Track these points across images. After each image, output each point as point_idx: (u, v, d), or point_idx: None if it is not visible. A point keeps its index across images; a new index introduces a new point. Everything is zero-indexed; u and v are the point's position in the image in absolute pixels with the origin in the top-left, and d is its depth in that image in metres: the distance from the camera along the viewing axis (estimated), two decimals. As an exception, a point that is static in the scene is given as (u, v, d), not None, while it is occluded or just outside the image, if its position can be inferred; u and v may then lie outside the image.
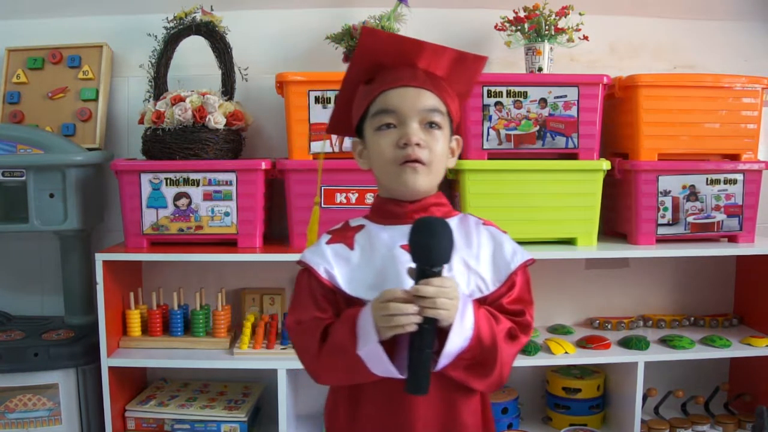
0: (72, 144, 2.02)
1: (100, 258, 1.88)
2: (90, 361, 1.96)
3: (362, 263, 1.13)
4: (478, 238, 1.16)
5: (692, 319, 2.27)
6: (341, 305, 1.14)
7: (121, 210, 1.98)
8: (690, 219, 2.06)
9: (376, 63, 1.15)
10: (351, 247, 1.15)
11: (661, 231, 2.05)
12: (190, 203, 1.95)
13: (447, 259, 1.03)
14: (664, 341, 2.08)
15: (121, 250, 1.96)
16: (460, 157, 1.96)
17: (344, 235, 1.17)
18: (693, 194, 2.05)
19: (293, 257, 1.89)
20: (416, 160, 1.10)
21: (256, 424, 2.10)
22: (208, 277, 2.19)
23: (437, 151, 1.12)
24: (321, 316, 1.12)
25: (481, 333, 1.06)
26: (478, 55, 1.18)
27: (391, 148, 1.11)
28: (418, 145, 1.10)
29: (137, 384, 2.16)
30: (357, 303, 1.11)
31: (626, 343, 2.06)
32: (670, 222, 2.05)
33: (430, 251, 1.02)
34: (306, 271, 1.15)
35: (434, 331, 1.01)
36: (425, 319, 1.01)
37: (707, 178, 2.05)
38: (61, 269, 2.11)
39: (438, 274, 1.02)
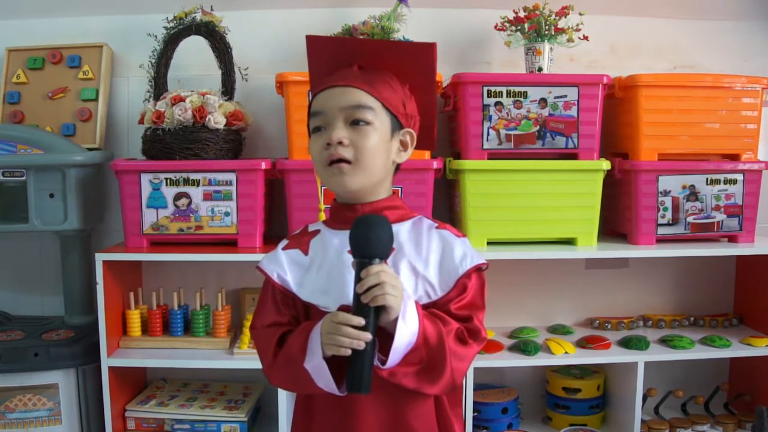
0: (72, 144, 2.02)
1: (100, 258, 1.88)
2: (90, 361, 1.95)
3: (314, 268, 1.15)
4: (428, 242, 1.15)
5: (692, 319, 2.27)
6: (299, 309, 1.17)
7: (121, 210, 1.98)
8: (690, 219, 2.06)
9: (323, 68, 1.17)
10: (305, 252, 1.17)
11: (661, 231, 2.05)
12: (190, 203, 1.95)
13: (384, 252, 1.04)
14: (664, 341, 2.08)
15: (121, 250, 1.96)
16: (460, 157, 1.99)
17: (300, 241, 1.19)
18: (693, 194, 2.05)
19: (293, 257, 1.91)
20: (340, 160, 1.10)
21: (256, 424, 2.11)
22: (208, 277, 2.19)
23: (365, 148, 1.11)
24: (280, 320, 1.16)
25: (426, 331, 1.06)
26: (423, 43, 1.16)
27: (320, 150, 1.13)
28: (341, 143, 1.10)
29: (137, 384, 2.16)
30: (312, 308, 1.14)
31: (626, 343, 2.06)
32: (670, 222, 2.05)
33: (366, 243, 1.03)
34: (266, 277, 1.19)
35: (375, 327, 1.02)
36: (365, 310, 1.02)
37: (707, 178, 2.05)
38: (61, 269, 2.11)
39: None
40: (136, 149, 2.08)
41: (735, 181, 2.07)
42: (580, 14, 2.09)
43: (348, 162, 1.10)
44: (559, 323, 2.29)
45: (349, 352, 1.01)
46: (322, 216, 1.28)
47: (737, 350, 2.05)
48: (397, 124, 1.16)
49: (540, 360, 2.02)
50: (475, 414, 2.08)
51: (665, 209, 2.04)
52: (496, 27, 2.12)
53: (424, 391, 1.09)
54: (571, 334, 2.19)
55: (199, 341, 2.01)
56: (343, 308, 1.07)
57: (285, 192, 1.97)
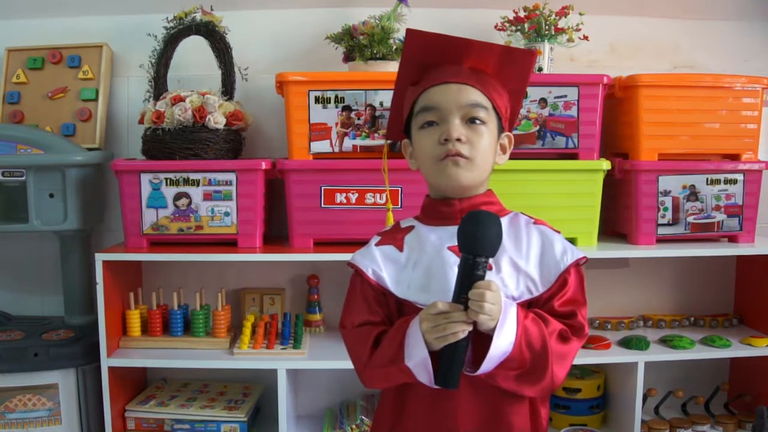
0: (72, 144, 2.02)
1: (100, 258, 1.88)
2: (90, 361, 1.95)
3: (410, 265, 1.14)
4: (528, 237, 1.15)
5: (692, 319, 2.27)
6: (392, 307, 1.15)
7: (121, 210, 1.97)
8: (690, 219, 2.06)
9: (422, 64, 1.15)
10: (400, 248, 1.16)
11: (661, 231, 2.05)
12: (190, 203, 1.95)
13: (491, 250, 1.03)
14: (664, 341, 2.08)
15: (121, 250, 1.96)
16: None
17: (394, 237, 1.18)
18: (693, 194, 2.05)
19: (293, 257, 1.92)
20: (457, 155, 1.10)
21: (256, 424, 2.10)
22: (208, 277, 2.19)
23: (480, 147, 1.11)
24: (372, 319, 1.14)
25: (529, 336, 1.05)
26: (527, 50, 1.19)
27: (434, 145, 1.11)
28: (459, 140, 1.09)
29: (137, 384, 2.16)
30: (407, 304, 1.12)
31: (626, 343, 2.06)
32: (670, 222, 2.05)
33: (475, 240, 1.02)
34: (357, 274, 1.16)
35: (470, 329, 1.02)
36: (465, 306, 1.01)
37: (707, 178, 2.05)
38: (61, 269, 2.11)
39: (481, 265, 1.02)
40: (136, 149, 2.08)
41: (735, 181, 2.07)
42: (580, 14, 2.09)
43: (464, 158, 1.10)
44: (559, 323, 2.29)
45: (464, 335, 1.01)
46: (391, 221, 1.27)
47: (737, 350, 2.05)
48: (501, 127, 1.17)
49: (540, 360, 2.01)
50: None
51: (665, 209, 2.04)
52: (496, 27, 2.12)
53: (523, 393, 1.09)
54: (571, 334, 2.18)
55: (199, 341, 2.01)
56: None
57: (285, 192, 1.97)
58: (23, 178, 1.94)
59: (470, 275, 1.02)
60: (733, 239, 2.12)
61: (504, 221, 1.14)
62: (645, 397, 2.06)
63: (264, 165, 1.95)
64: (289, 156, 1.97)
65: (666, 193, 2.04)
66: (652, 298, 2.34)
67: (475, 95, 1.12)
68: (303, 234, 1.96)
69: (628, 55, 2.29)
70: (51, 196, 1.96)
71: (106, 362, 1.89)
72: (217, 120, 1.94)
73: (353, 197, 1.93)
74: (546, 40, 2.05)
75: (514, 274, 1.12)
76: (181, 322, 2.02)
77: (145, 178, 1.94)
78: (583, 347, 2.04)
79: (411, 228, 1.18)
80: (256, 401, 2.11)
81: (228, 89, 2.07)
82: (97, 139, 2.12)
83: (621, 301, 2.32)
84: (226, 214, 1.95)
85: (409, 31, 1.16)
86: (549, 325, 1.09)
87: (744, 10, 2.29)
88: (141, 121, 2.01)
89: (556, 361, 1.07)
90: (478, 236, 1.02)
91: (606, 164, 1.99)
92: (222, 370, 2.13)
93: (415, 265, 1.13)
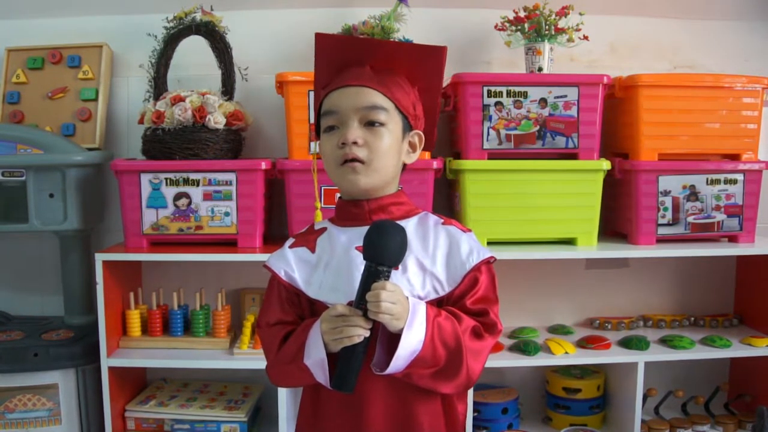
0: (72, 144, 2.02)
1: (100, 258, 1.88)
2: (90, 361, 1.95)
3: (321, 265, 1.16)
4: (435, 238, 1.16)
5: (692, 319, 2.27)
6: (305, 307, 1.17)
7: (121, 210, 1.97)
8: (690, 219, 2.06)
9: (332, 66, 1.17)
10: (312, 250, 1.18)
11: (661, 231, 2.05)
12: (190, 203, 1.94)
13: (394, 260, 1.05)
14: (664, 341, 2.08)
15: (121, 250, 1.96)
16: (460, 157, 1.99)
17: (306, 239, 1.20)
18: (693, 194, 2.05)
19: (293, 257, 1.91)
20: (354, 159, 1.11)
21: (256, 424, 2.10)
22: (208, 277, 2.19)
23: (378, 149, 1.11)
24: (284, 319, 1.17)
25: (443, 334, 1.06)
26: (435, 46, 1.17)
27: (333, 149, 1.13)
28: (355, 143, 1.10)
29: (137, 384, 2.16)
30: (318, 304, 1.15)
31: (626, 343, 2.06)
32: (670, 222, 2.05)
33: (377, 250, 1.03)
34: (273, 276, 1.19)
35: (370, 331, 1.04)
36: (364, 312, 1.03)
37: (707, 178, 2.05)
38: (61, 269, 2.11)
39: (384, 274, 1.03)
40: (136, 149, 2.08)
41: (735, 181, 2.07)
42: (580, 14, 2.09)
43: (361, 162, 1.11)
44: (559, 323, 2.29)
45: (355, 341, 1.02)
46: (319, 215, 1.29)
47: (737, 350, 2.05)
48: (408, 126, 1.17)
49: (540, 360, 2.02)
50: (475, 414, 2.08)
51: (665, 209, 2.04)
52: (496, 27, 2.12)
53: (439, 390, 1.10)
54: (571, 334, 2.19)
55: (199, 341, 2.01)
56: (348, 303, 1.08)
57: (285, 192, 1.97)
58: (23, 178, 1.94)
59: (371, 282, 1.03)
60: (733, 239, 2.12)
61: (412, 221, 1.17)
62: (645, 397, 2.06)
63: (264, 165, 1.95)
64: (289, 156, 1.97)
65: (666, 193, 2.04)
66: (652, 298, 2.34)
67: (373, 97, 1.12)
68: (303, 234, 1.96)
69: (628, 55, 2.29)
70: (51, 196, 1.96)
71: (106, 362, 1.89)
72: (217, 120, 1.94)
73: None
74: (546, 40, 2.05)
75: (420, 274, 1.13)
76: (181, 322, 2.02)
77: (145, 178, 1.94)
78: (583, 347, 2.05)
79: (324, 230, 1.20)
80: (256, 401, 2.11)
81: (228, 89, 2.07)
82: (97, 139, 2.12)
83: (621, 301, 2.32)
84: (226, 214, 1.95)
85: (317, 34, 1.17)
86: (462, 323, 1.10)
87: (744, 10, 2.29)
88: (141, 121, 2.01)
89: (470, 357, 1.08)
90: (381, 246, 1.03)
91: (606, 164, 1.99)
92: (222, 370, 2.13)
93: (326, 266, 1.15)
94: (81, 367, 1.95)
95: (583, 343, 2.08)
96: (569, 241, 2.04)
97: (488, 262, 1.16)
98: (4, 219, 1.98)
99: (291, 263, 1.17)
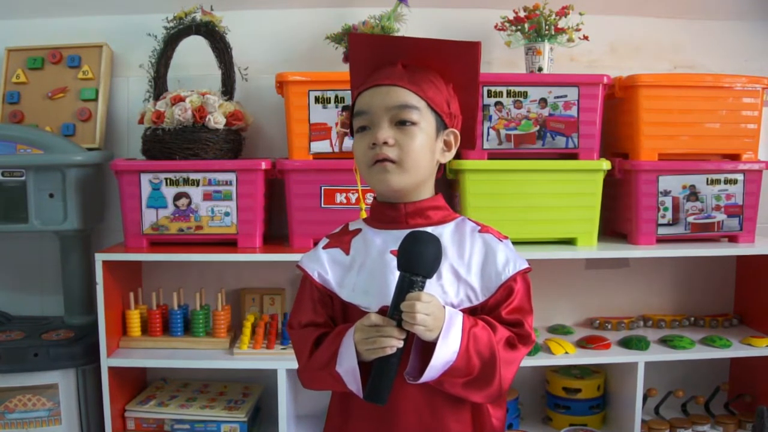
0: (72, 144, 2.02)
1: (100, 258, 1.87)
2: (90, 361, 1.95)
3: (355, 267, 1.15)
4: (471, 246, 1.14)
5: (692, 319, 2.27)
6: (337, 309, 1.16)
7: (121, 210, 1.97)
8: (690, 219, 2.06)
9: (367, 66, 1.15)
10: (346, 251, 1.16)
11: (662, 231, 2.05)
12: (190, 203, 1.94)
13: (428, 271, 1.04)
14: (664, 341, 2.08)
15: (121, 250, 1.96)
16: (460, 157, 1.99)
17: (341, 240, 1.18)
18: (693, 194, 2.05)
19: (293, 257, 1.92)
20: (385, 159, 1.09)
21: (256, 424, 2.10)
22: (208, 277, 2.19)
23: (411, 149, 1.10)
24: (316, 320, 1.16)
25: (478, 344, 1.06)
26: (469, 42, 1.14)
27: (365, 150, 1.11)
28: (386, 143, 1.09)
29: (137, 384, 2.16)
30: (351, 307, 1.13)
31: (626, 343, 2.06)
32: (671, 222, 2.05)
33: (411, 259, 1.03)
34: (305, 276, 1.18)
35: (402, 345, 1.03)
36: (399, 323, 1.02)
37: (707, 178, 2.05)
38: (61, 269, 2.11)
39: (418, 284, 1.02)
40: (136, 149, 2.08)
41: (735, 181, 2.07)
42: (580, 14, 2.09)
43: (392, 161, 1.10)
44: (559, 323, 2.29)
45: (388, 352, 1.01)
46: (363, 215, 1.27)
47: (737, 350, 2.05)
48: (442, 124, 1.15)
49: (540, 360, 2.01)
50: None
51: (665, 209, 2.04)
52: (496, 27, 2.12)
53: (470, 399, 1.10)
54: (571, 334, 2.19)
55: (199, 341, 2.01)
56: (382, 310, 1.07)
57: (285, 192, 1.97)
58: (23, 178, 1.94)
59: (405, 293, 1.02)
60: (733, 239, 2.12)
61: (449, 227, 1.15)
62: (645, 397, 2.06)
63: (264, 165, 1.95)
64: (289, 156, 1.97)
65: (666, 193, 2.04)
66: (652, 298, 2.34)
67: (403, 96, 1.10)
68: (303, 234, 1.96)
69: (628, 55, 2.29)
70: (51, 196, 1.96)
71: (106, 362, 1.89)
72: (217, 120, 1.94)
73: (353, 197, 1.93)
74: (546, 40, 2.05)
75: (454, 282, 1.12)
76: (181, 322, 2.02)
77: (145, 178, 1.94)
78: (583, 347, 2.05)
79: (358, 231, 1.18)
80: (256, 401, 2.11)
81: (228, 89, 2.07)
82: (97, 139, 2.12)
83: (621, 301, 2.32)
84: (226, 214, 1.95)
85: (351, 35, 1.18)
86: (497, 333, 1.09)
87: (744, 10, 2.29)
88: (141, 121, 2.01)
89: (504, 367, 1.08)
90: (415, 257, 1.02)
91: (606, 164, 1.99)
92: (222, 370, 2.13)
93: (360, 268, 1.14)
94: (81, 367, 1.95)
95: (583, 343, 2.08)
96: (569, 241, 2.04)
97: (524, 272, 1.15)
98: (4, 219, 1.98)
99: (324, 264, 1.16)
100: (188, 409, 2.01)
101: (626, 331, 2.21)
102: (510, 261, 1.14)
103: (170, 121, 1.93)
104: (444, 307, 1.06)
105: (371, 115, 1.11)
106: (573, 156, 2.00)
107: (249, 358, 1.94)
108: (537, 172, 1.96)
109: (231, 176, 1.94)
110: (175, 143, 1.94)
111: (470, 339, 1.05)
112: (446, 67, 1.15)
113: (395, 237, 1.08)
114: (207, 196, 1.94)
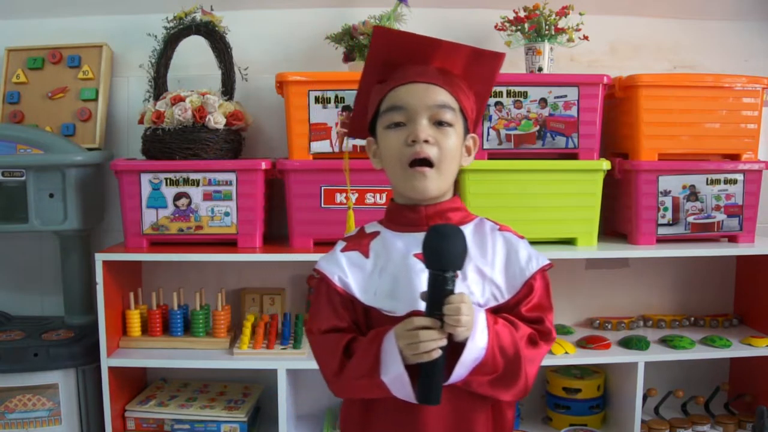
0: (72, 144, 2.02)
1: (100, 258, 1.87)
2: (90, 361, 1.95)
3: (376, 271, 1.12)
4: (493, 244, 1.14)
5: (692, 319, 2.27)
6: (359, 313, 1.13)
7: (121, 210, 1.97)
8: (690, 219, 2.06)
9: (389, 62, 1.13)
10: (366, 254, 1.14)
11: (661, 231, 2.05)
12: (190, 203, 1.94)
13: (459, 264, 1.02)
14: (664, 341, 2.08)
15: (121, 250, 1.96)
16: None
17: (359, 243, 1.16)
18: (693, 194, 2.05)
19: (293, 257, 1.92)
20: (424, 160, 1.08)
21: (256, 424, 2.10)
22: (208, 277, 2.19)
23: (447, 149, 1.09)
24: (338, 325, 1.13)
25: (501, 341, 1.05)
26: (496, 52, 1.15)
27: (401, 147, 1.09)
28: (426, 141, 1.07)
29: (137, 384, 2.16)
30: (373, 311, 1.11)
31: (626, 343, 2.06)
32: (670, 222, 2.05)
33: (441, 255, 1.00)
34: (322, 280, 1.14)
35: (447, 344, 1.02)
36: (438, 321, 1.01)
37: (707, 178, 2.05)
38: (61, 269, 2.11)
39: (450, 280, 1.01)
40: (136, 149, 2.08)
41: (735, 181, 2.07)
42: (580, 14, 2.09)
43: (430, 165, 1.08)
44: (559, 323, 2.29)
45: (439, 353, 1.00)
46: (351, 216, 1.26)
47: (737, 350, 2.05)
48: (466, 129, 1.15)
49: (540, 360, 2.01)
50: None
51: (665, 209, 2.04)
52: (496, 27, 2.12)
53: (498, 397, 1.09)
54: (571, 334, 2.19)
55: (199, 341, 2.01)
56: (413, 315, 1.05)
57: (285, 192, 1.97)
58: (23, 178, 1.94)
59: (441, 290, 1.01)
60: (733, 239, 2.12)
61: (469, 227, 1.14)
62: (645, 397, 2.06)
63: (264, 165, 1.95)
64: (289, 156, 1.97)
65: (666, 193, 2.04)
66: (652, 298, 2.34)
67: (442, 96, 1.10)
68: (303, 234, 1.96)
69: (628, 55, 2.29)
70: (51, 196, 1.96)
71: (106, 362, 1.89)
72: (217, 120, 1.94)
73: (353, 197, 1.93)
74: (546, 40, 2.05)
75: (480, 281, 1.11)
76: (181, 322, 2.01)
77: (145, 178, 1.94)
78: (583, 347, 2.05)
79: (376, 233, 1.17)
80: (256, 401, 2.11)
81: (228, 89, 2.07)
82: (97, 139, 2.12)
83: (621, 301, 2.32)
84: (226, 214, 1.95)
85: (375, 28, 1.14)
86: (519, 330, 1.09)
87: (744, 10, 2.29)
88: (141, 121, 2.01)
89: (527, 364, 1.07)
90: (444, 252, 1.00)
91: (606, 164, 1.99)
92: (222, 370, 2.13)
93: (381, 272, 1.12)
94: (81, 367, 1.95)
95: (583, 343, 2.08)
96: (569, 241, 2.04)
97: (544, 270, 1.15)
98: (4, 219, 1.98)
99: (344, 268, 1.13)
100: (188, 409, 2.01)
101: (626, 331, 2.21)
102: (533, 257, 1.14)
103: (170, 121, 1.93)
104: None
105: (409, 111, 1.09)
106: (573, 156, 2.00)
107: (249, 358, 1.94)
108: (537, 172, 1.96)
109: (231, 176, 1.94)
110: (175, 143, 1.94)
111: (494, 335, 1.05)
112: (469, 73, 1.15)
113: (416, 240, 1.06)
114: (207, 196, 1.94)
